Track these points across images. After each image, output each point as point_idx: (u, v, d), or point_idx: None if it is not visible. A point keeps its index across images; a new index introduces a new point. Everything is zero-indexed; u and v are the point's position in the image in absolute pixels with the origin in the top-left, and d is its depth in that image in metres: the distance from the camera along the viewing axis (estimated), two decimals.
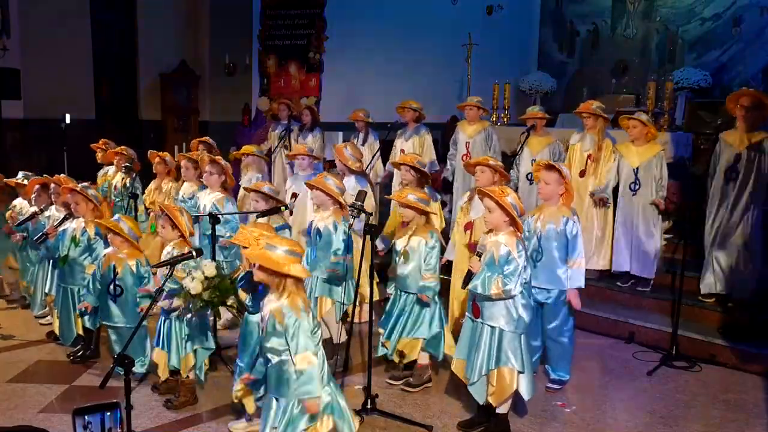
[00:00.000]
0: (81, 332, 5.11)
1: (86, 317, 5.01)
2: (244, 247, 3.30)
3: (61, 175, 5.76)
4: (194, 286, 3.72)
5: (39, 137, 10.05)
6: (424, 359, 4.68)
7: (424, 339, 4.53)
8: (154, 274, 4.40)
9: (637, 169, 5.90)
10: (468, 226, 5.05)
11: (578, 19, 12.23)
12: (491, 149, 7.01)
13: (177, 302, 3.94)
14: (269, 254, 3.07)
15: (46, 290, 5.59)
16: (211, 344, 4.35)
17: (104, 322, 4.74)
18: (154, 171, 6.79)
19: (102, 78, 11.50)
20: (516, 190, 6.67)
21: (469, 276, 3.87)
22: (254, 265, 3.15)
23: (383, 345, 4.64)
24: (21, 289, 6.39)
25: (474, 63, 10.97)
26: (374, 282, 4.45)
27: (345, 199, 4.81)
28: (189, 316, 4.06)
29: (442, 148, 8.01)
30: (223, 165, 5.78)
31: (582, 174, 6.23)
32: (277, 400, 3.21)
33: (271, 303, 3.13)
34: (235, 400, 3.95)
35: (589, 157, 6.21)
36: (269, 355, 3.16)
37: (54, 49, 10.39)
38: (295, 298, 3.09)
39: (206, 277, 3.74)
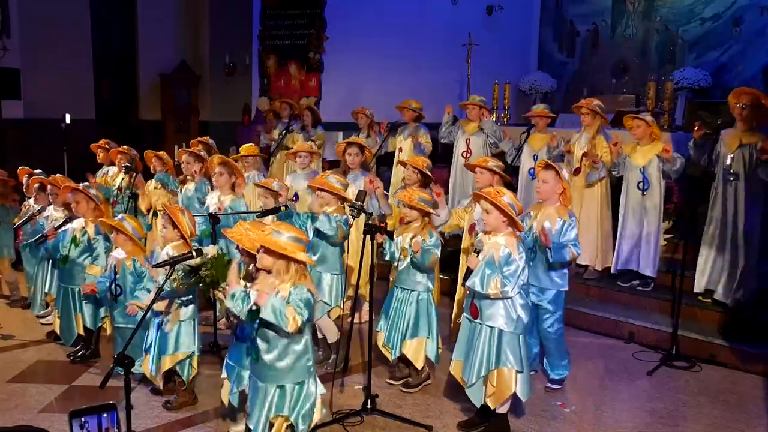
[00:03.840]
0: (81, 332, 5.10)
1: (87, 317, 5.01)
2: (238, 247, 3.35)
3: (58, 175, 5.74)
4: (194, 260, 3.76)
5: (39, 137, 10.01)
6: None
7: (428, 338, 4.53)
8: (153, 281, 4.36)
9: (644, 168, 5.90)
10: (472, 228, 5.05)
11: (578, 19, 12.21)
12: (491, 137, 7.00)
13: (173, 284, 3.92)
14: (275, 239, 3.11)
15: (46, 290, 5.59)
16: (192, 350, 4.27)
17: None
18: (152, 171, 6.77)
19: (102, 78, 11.47)
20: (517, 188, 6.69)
21: (468, 273, 3.87)
22: (259, 250, 3.16)
23: (383, 348, 4.65)
24: (24, 289, 6.37)
25: (474, 63, 10.96)
26: (373, 282, 4.45)
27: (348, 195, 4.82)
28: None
29: (441, 148, 8.01)
30: (234, 165, 5.71)
31: (576, 172, 6.24)
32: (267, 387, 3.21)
33: (271, 289, 3.13)
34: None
35: (584, 155, 6.21)
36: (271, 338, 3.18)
37: (54, 49, 10.36)
38: (302, 282, 3.12)
39: (206, 255, 3.77)
